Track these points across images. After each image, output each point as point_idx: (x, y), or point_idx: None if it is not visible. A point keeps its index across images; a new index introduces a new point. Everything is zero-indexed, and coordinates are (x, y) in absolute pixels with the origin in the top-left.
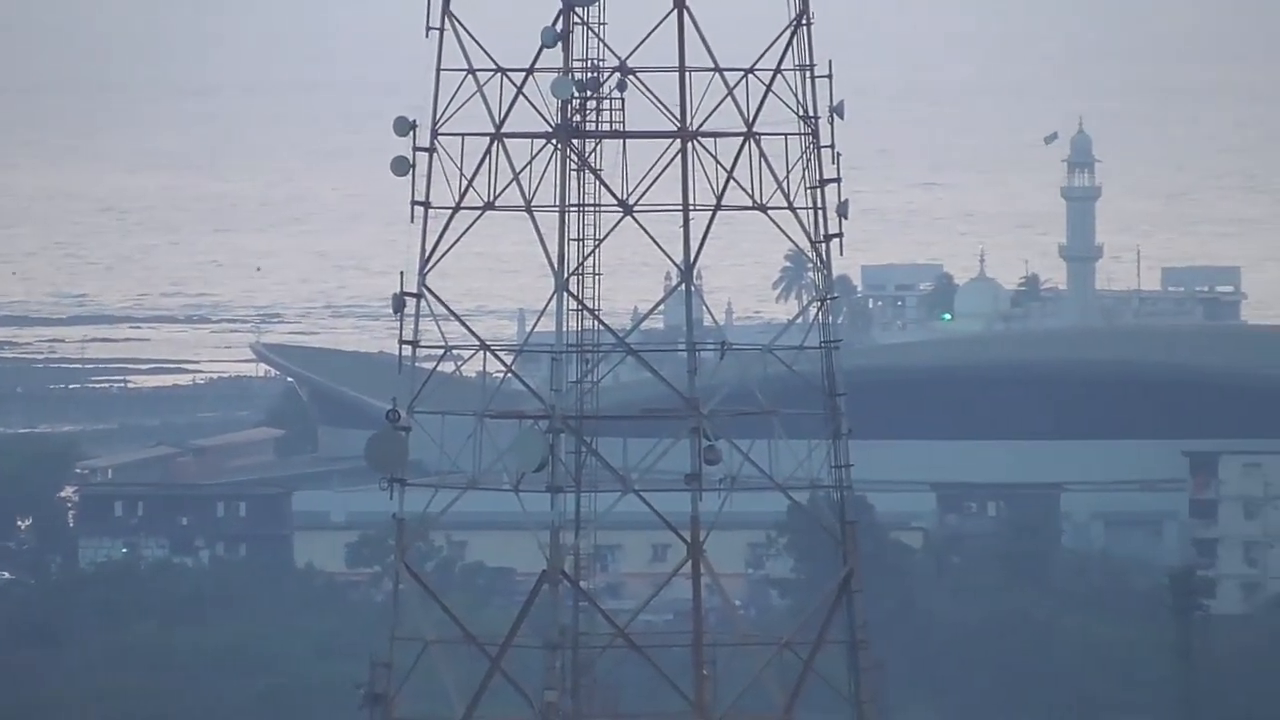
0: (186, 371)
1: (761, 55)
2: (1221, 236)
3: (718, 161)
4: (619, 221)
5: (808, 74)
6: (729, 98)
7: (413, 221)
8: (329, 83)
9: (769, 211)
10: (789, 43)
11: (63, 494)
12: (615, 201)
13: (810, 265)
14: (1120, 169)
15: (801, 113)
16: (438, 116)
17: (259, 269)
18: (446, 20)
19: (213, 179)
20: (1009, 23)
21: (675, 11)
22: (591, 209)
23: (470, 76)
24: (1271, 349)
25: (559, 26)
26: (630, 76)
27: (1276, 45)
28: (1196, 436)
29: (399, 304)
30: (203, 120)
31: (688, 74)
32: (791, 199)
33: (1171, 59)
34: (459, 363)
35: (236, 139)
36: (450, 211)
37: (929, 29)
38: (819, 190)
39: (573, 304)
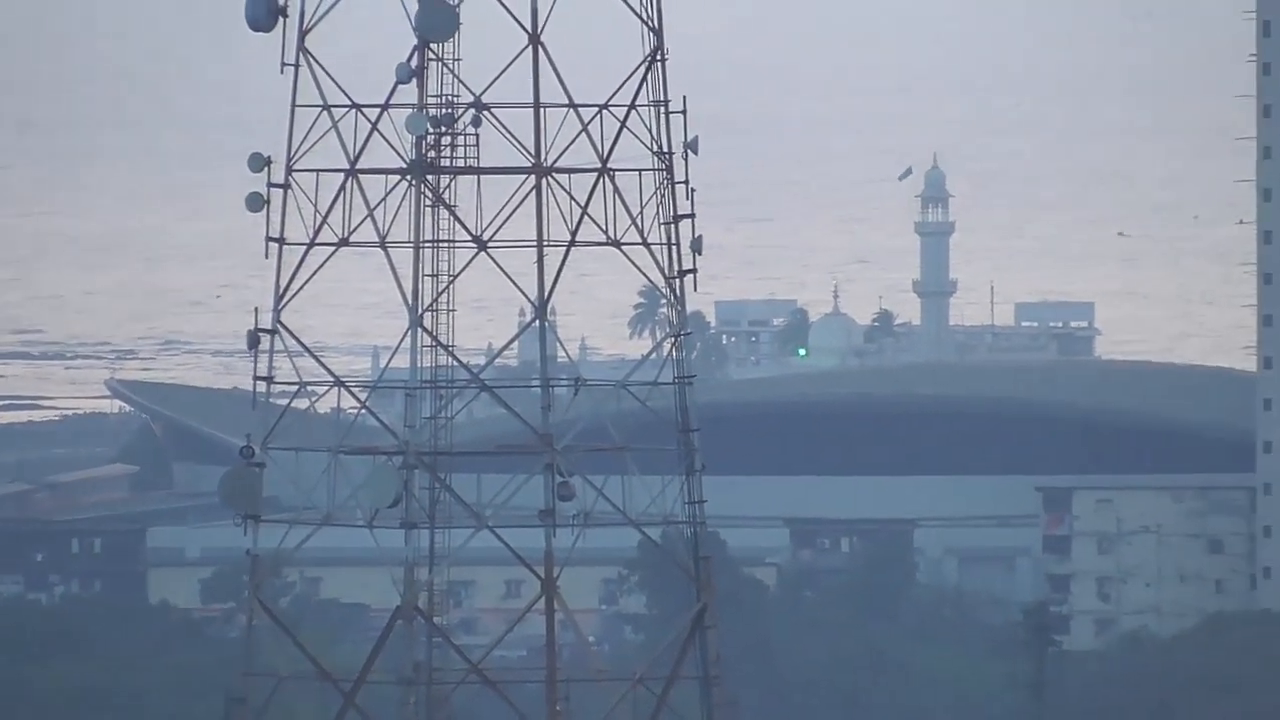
0: (43, 408)
1: (616, 91)
2: (1075, 272)
3: (572, 197)
4: (473, 258)
5: (662, 110)
6: (583, 134)
7: (267, 258)
8: (183, 118)
9: (623, 247)
10: (643, 78)
11: None
12: (470, 238)
13: (664, 301)
14: (974, 204)
15: (656, 148)
16: (292, 152)
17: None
18: (301, 56)
19: (63, 214)
20: (863, 55)
21: (530, 47)
22: (446, 245)
23: (325, 112)
24: (1125, 384)
25: (414, 62)
26: (485, 112)
27: (1125, 80)
28: (1050, 472)
29: (254, 340)
30: (52, 155)
31: (542, 110)
32: (645, 235)
33: (1023, 94)
34: (313, 399)
35: (86, 174)
36: (305, 248)
37: (783, 62)
38: (673, 226)
39: (427, 340)
